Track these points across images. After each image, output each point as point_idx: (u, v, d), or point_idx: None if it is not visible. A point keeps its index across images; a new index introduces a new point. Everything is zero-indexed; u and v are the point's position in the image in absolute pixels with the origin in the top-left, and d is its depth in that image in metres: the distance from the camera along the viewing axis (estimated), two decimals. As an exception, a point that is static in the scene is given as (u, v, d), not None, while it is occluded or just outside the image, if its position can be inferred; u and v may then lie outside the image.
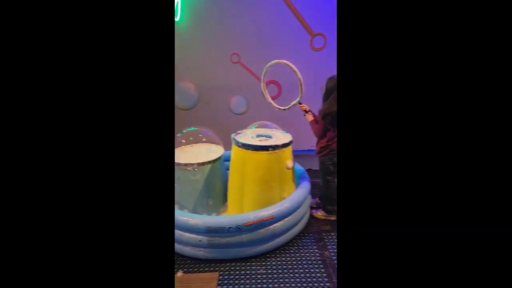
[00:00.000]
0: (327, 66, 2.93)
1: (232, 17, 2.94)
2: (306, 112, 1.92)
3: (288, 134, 1.95)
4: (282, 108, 1.98)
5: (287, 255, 1.66)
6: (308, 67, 3.08)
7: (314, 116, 1.91)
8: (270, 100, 2.06)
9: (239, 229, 1.53)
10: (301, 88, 1.80)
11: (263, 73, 1.98)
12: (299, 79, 1.78)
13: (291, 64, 1.81)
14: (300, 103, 1.89)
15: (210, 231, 1.53)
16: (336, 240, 1.79)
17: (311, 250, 1.69)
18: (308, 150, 3.41)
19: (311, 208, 2.08)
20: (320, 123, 1.80)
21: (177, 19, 2.92)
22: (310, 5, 2.93)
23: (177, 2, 2.89)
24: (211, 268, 1.55)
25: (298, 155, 3.13)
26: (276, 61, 1.85)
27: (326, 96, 1.79)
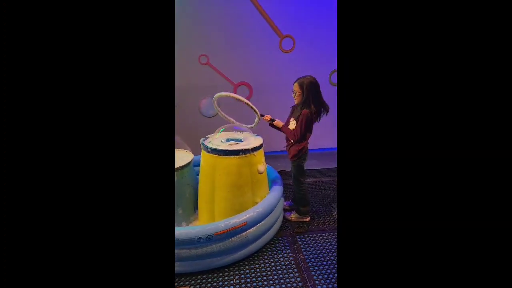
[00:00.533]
0: (296, 67, 2.97)
1: (200, 18, 2.85)
2: (272, 121, 1.86)
3: (259, 137, 1.92)
4: (249, 126, 1.94)
5: (261, 261, 1.62)
6: (278, 68, 3.10)
7: (272, 120, 1.86)
8: (232, 120, 2.00)
9: (209, 239, 1.46)
10: (254, 111, 1.80)
11: (214, 102, 1.93)
12: (247, 104, 1.78)
13: (236, 96, 1.81)
14: (262, 115, 1.84)
15: (178, 243, 1.43)
16: (309, 241, 1.79)
17: (285, 255, 1.67)
18: (280, 151, 3.43)
19: (285, 210, 2.07)
20: (298, 125, 1.76)
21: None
22: (278, 8, 2.94)
23: None
24: (181, 283, 1.46)
25: (270, 157, 3.13)
26: (220, 94, 1.83)
27: (307, 98, 1.73)
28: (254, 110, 1.80)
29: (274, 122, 1.85)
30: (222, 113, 1.99)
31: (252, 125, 1.91)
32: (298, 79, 1.77)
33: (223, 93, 1.82)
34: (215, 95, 1.85)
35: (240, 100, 1.76)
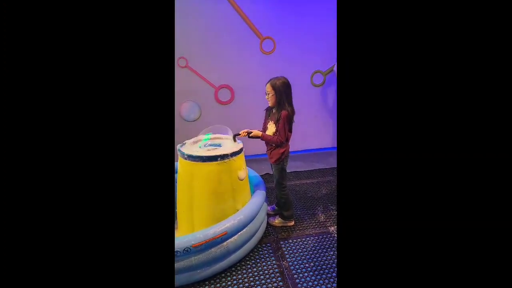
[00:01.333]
0: (277, 69, 2.93)
1: (179, 19, 2.76)
2: (249, 133, 1.76)
3: (238, 141, 1.85)
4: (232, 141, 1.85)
5: (243, 271, 1.55)
6: (259, 70, 3.05)
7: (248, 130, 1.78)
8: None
9: (187, 251, 1.37)
10: (232, 139, 1.81)
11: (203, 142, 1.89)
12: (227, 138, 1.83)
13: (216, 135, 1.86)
14: (238, 134, 1.78)
15: (154, 258, 1.34)
16: (293, 246, 1.74)
17: (268, 262, 1.61)
18: (263, 154, 3.39)
19: (268, 216, 2.01)
20: (281, 128, 1.70)
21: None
22: (257, 10, 2.91)
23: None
24: (158, 300, 1.37)
25: (253, 160, 3.08)
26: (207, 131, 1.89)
27: (281, 99, 1.70)
28: (232, 138, 1.80)
29: (252, 134, 1.75)
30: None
31: (235, 141, 1.83)
32: (271, 80, 1.73)
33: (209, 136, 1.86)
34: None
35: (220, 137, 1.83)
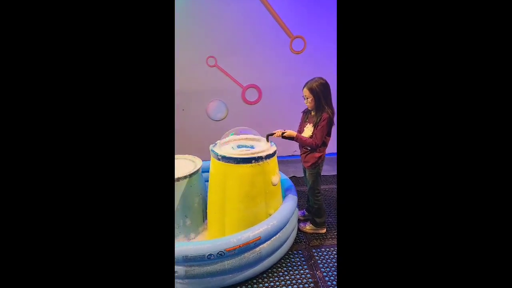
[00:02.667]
0: (307, 69, 2.85)
1: (208, 19, 2.76)
2: (283, 133, 1.68)
3: (271, 142, 1.80)
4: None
5: (276, 278, 1.50)
6: (288, 70, 2.98)
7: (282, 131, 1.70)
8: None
9: (220, 255, 1.34)
10: (265, 139, 1.75)
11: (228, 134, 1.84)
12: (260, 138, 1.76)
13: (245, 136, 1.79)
14: (271, 134, 1.69)
15: (188, 260, 1.32)
16: (326, 256, 1.66)
17: (301, 271, 1.54)
18: (290, 156, 3.31)
19: (299, 221, 1.94)
20: (319, 131, 1.62)
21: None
22: (288, 7, 2.84)
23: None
24: (190, 302, 1.35)
25: (280, 162, 3.01)
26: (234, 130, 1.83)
27: (320, 101, 1.61)
28: (266, 139, 1.74)
29: (285, 134, 1.67)
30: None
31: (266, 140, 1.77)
32: (307, 83, 1.63)
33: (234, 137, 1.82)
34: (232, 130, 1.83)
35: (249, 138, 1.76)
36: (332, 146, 3.29)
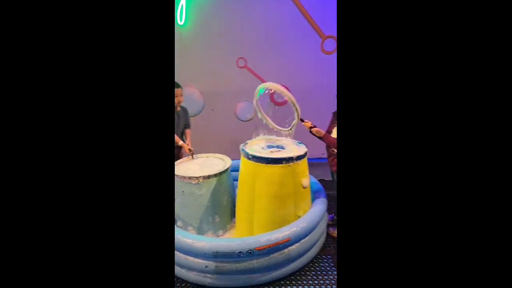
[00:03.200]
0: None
1: (239, 20, 2.81)
2: (311, 128, 1.67)
3: (301, 144, 1.78)
4: (286, 129, 1.78)
5: (304, 282, 1.47)
6: (319, 71, 2.93)
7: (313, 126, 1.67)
8: (270, 122, 1.85)
9: (250, 253, 1.35)
10: (295, 108, 1.62)
11: (255, 98, 1.80)
12: (290, 100, 1.60)
13: (279, 87, 1.63)
14: (302, 120, 1.67)
15: (218, 255, 1.35)
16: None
17: (331, 277, 1.50)
18: (317, 158, 3.24)
19: (328, 225, 1.90)
20: None
21: (181, 23, 2.80)
22: (320, 6, 2.79)
23: (182, 5, 2.77)
24: (219, 298, 1.38)
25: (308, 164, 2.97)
26: (267, 84, 1.69)
27: None
28: (296, 109, 1.63)
29: (313, 130, 1.66)
30: (262, 111, 1.84)
31: (289, 128, 1.75)
32: None
33: (269, 84, 1.67)
34: (260, 86, 1.71)
35: (284, 94, 1.61)
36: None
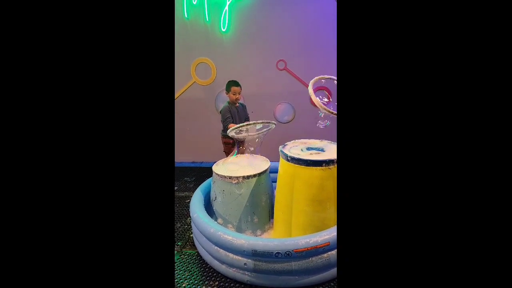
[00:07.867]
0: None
1: (279, 23, 2.84)
2: None
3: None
4: (335, 112, 1.70)
5: (344, 290, 1.41)
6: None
7: None
8: (320, 103, 1.76)
9: (288, 255, 1.35)
10: (327, 112, 1.66)
11: (312, 82, 1.79)
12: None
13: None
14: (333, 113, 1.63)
15: (256, 254, 1.39)
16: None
17: None
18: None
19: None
20: None
21: (224, 29, 2.95)
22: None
23: (224, 12, 2.91)
24: (257, 296, 1.41)
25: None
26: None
27: None
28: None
29: None
30: (319, 101, 1.78)
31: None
32: None
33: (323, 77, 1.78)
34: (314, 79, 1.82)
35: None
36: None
